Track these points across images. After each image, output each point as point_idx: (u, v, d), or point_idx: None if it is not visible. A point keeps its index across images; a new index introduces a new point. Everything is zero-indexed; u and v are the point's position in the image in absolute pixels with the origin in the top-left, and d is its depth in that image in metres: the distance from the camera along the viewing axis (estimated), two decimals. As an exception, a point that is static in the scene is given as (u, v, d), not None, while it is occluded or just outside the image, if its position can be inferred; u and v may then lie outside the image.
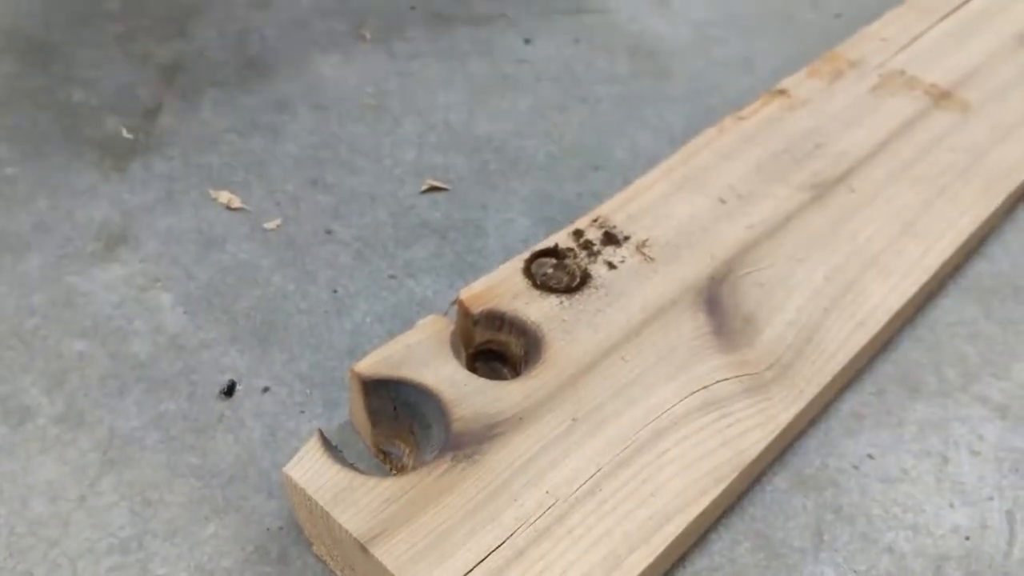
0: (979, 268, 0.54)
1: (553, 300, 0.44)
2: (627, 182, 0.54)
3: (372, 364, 0.40)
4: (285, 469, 0.36)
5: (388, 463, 0.42)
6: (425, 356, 0.41)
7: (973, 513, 0.43)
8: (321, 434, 0.38)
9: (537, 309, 0.43)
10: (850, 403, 0.47)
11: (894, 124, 0.57)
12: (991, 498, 0.44)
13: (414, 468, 0.39)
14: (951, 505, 0.43)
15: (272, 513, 0.40)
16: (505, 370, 0.44)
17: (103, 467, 0.41)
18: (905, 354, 0.49)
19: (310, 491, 0.36)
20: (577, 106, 0.60)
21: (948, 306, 0.52)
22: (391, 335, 0.47)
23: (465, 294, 0.43)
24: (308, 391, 0.44)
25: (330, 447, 0.38)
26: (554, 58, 0.63)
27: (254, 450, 0.42)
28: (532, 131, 0.58)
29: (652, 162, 0.57)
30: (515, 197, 0.51)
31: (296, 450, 0.40)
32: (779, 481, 0.43)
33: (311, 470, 0.37)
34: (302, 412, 0.43)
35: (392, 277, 0.49)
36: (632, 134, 0.59)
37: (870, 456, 0.45)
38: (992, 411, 0.47)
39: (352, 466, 0.38)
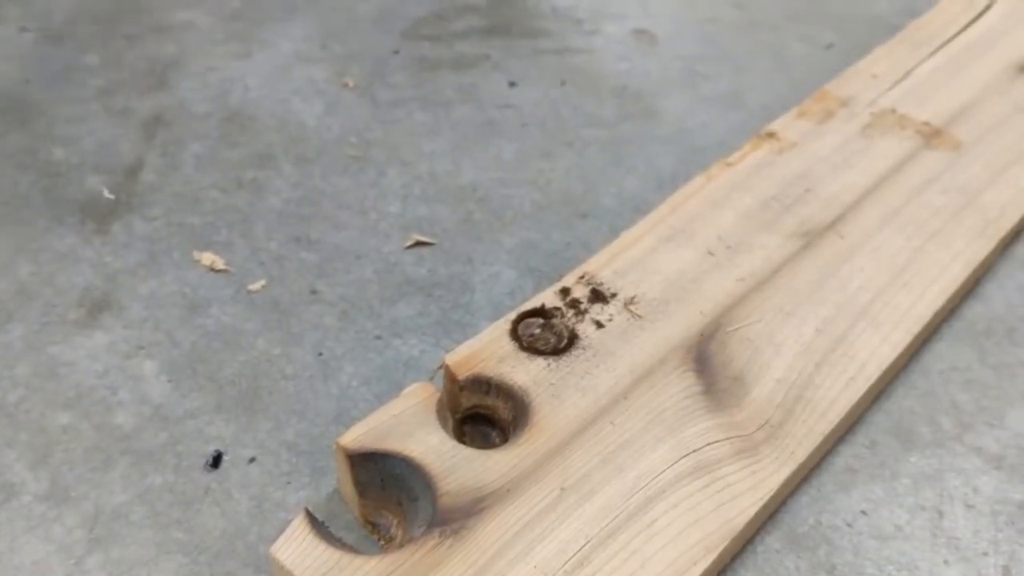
0: (973, 309, 0.55)
1: (540, 363, 0.44)
2: (614, 230, 0.55)
3: (357, 437, 0.41)
4: (271, 550, 0.37)
5: (376, 534, 0.42)
6: (411, 426, 0.41)
7: (968, 570, 0.43)
8: (308, 512, 0.38)
9: (524, 373, 0.44)
10: (843, 456, 0.47)
11: (885, 166, 0.58)
12: (986, 553, 0.44)
13: (403, 541, 0.40)
14: (946, 562, 0.44)
15: (259, 590, 0.40)
16: (494, 434, 0.45)
17: (89, 545, 0.41)
18: (898, 403, 0.50)
19: (297, 572, 0.37)
20: (563, 152, 0.61)
21: (941, 351, 0.52)
22: (378, 398, 0.47)
23: (451, 359, 0.44)
24: (294, 460, 0.45)
25: (316, 524, 0.38)
26: (540, 102, 0.64)
27: (241, 523, 0.42)
28: (517, 179, 0.58)
29: (639, 208, 0.58)
30: (501, 249, 0.52)
31: (284, 522, 0.40)
32: (771, 540, 0.44)
33: (297, 550, 0.37)
34: (288, 483, 0.44)
35: (378, 338, 0.50)
36: (619, 179, 0.60)
37: (863, 512, 0.45)
38: (987, 462, 0.47)
39: (340, 542, 0.38)
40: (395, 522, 0.42)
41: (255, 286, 0.51)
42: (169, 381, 0.47)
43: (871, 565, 0.43)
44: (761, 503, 0.41)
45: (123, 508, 0.42)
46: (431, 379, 0.46)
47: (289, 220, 0.54)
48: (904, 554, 0.44)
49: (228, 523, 0.42)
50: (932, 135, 0.59)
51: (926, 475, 0.47)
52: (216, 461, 0.44)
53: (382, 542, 0.42)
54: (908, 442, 0.48)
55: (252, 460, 0.45)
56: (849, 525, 0.45)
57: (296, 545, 0.38)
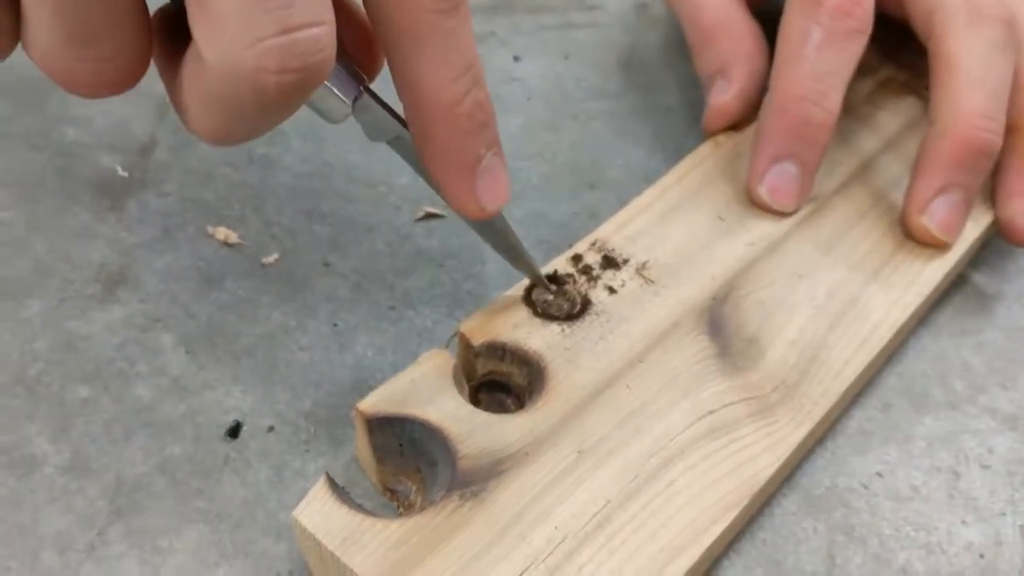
0: (983, 273, 0.54)
1: (555, 328, 0.44)
2: (622, 200, 0.54)
3: (376, 402, 0.40)
4: (294, 514, 0.37)
5: (395, 501, 0.42)
6: (428, 392, 0.41)
7: (987, 530, 0.43)
8: (328, 476, 0.38)
9: (539, 338, 0.43)
10: (856, 419, 0.47)
11: (898, 124, 0.57)
12: (1004, 513, 0.44)
13: (422, 506, 0.40)
14: (964, 522, 0.43)
15: (281, 556, 0.40)
16: (509, 401, 0.44)
17: (111, 516, 0.41)
18: (910, 366, 0.50)
19: (319, 536, 0.36)
20: (569, 124, 0.60)
21: (951, 315, 0.52)
22: (393, 368, 0.47)
23: (465, 326, 0.43)
24: (312, 429, 0.44)
25: (338, 489, 0.38)
26: (544, 75, 0.63)
27: (261, 491, 0.42)
28: (525, 152, 0.58)
29: (647, 178, 0.57)
30: (511, 220, 0.51)
31: (303, 490, 0.40)
32: (788, 504, 0.44)
33: (319, 514, 0.37)
34: (307, 451, 0.44)
35: (392, 308, 0.49)
36: (626, 150, 0.59)
37: (879, 474, 0.45)
38: (1001, 423, 0.47)
39: (361, 507, 0.38)
40: (414, 488, 0.42)
41: (269, 259, 0.50)
42: (187, 353, 0.47)
43: (888, 526, 0.43)
44: (779, 462, 0.41)
45: (144, 479, 0.42)
46: (446, 346, 0.45)
47: (300, 195, 0.53)
48: (921, 515, 0.43)
49: (248, 491, 0.42)
50: None
51: (940, 437, 0.46)
52: (235, 431, 0.44)
53: (401, 509, 0.42)
54: (921, 404, 0.48)
55: (271, 429, 0.44)
56: (865, 487, 0.44)
57: (318, 509, 0.37)
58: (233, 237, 0.51)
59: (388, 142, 0.39)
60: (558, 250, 0.51)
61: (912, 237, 0.50)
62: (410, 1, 0.33)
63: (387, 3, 0.34)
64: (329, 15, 0.30)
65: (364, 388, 0.46)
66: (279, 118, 0.32)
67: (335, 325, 0.48)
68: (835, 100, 0.50)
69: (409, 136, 0.38)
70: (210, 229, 0.52)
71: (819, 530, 0.42)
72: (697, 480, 0.40)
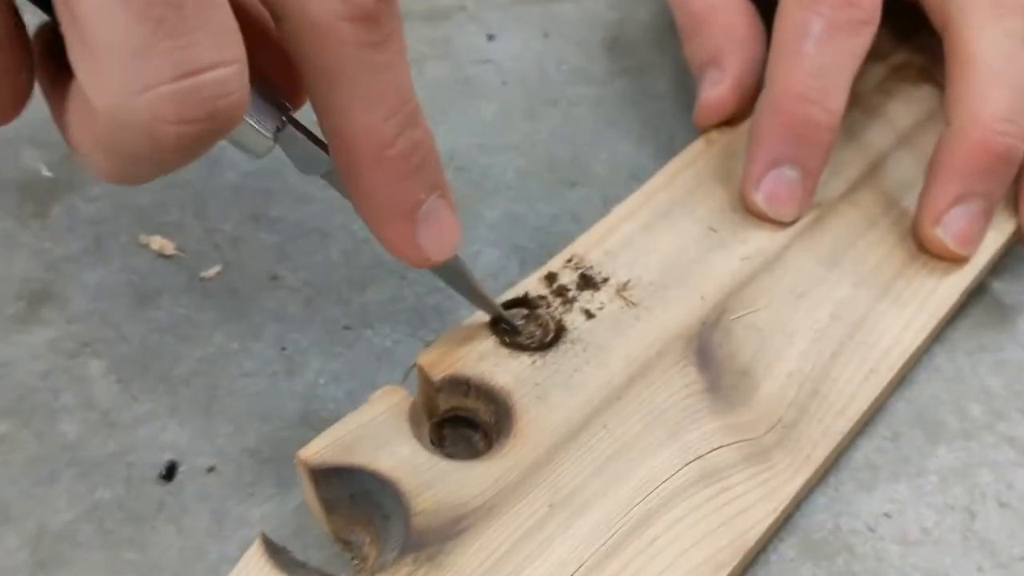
0: (1003, 282, 0.51)
1: (524, 360, 0.41)
2: (606, 200, 0.51)
3: (319, 450, 0.37)
4: (224, 585, 0.34)
5: (349, 552, 0.39)
6: (381, 436, 0.38)
7: (1004, 577, 0.40)
8: (264, 538, 0.35)
9: (507, 372, 0.41)
10: (863, 451, 0.44)
11: (907, 124, 0.54)
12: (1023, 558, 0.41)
13: (375, 563, 0.37)
14: (980, 568, 0.41)
15: (219, 618, 0.37)
16: (477, 437, 0.42)
17: (33, 569, 0.38)
18: (922, 389, 0.47)
19: (253, 610, 0.34)
20: (548, 112, 0.57)
21: (968, 330, 0.49)
22: (348, 396, 0.44)
23: (424, 358, 0.40)
24: (257, 468, 0.42)
25: (276, 552, 0.35)
26: (521, 56, 0.60)
27: (199, 542, 0.39)
28: (499, 144, 0.55)
29: (634, 174, 0.54)
30: (482, 223, 0.48)
31: (246, 540, 0.38)
32: (785, 548, 0.41)
33: (254, 584, 0.34)
34: (251, 494, 0.41)
35: (347, 328, 0.46)
36: (611, 142, 0.56)
37: (887, 515, 0.42)
38: (1022, 454, 0.45)
39: (304, 567, 0.35)
40: (368, 540, 0.39)
41: (209, 272, 0.47)
42: (118, 382, 0.44)
43: (895, 573, 0.40)
44: (775, 515, 0.39)
45: (69, 527, 0.40)
46: (404, 380, 0.43)
47: (247, 196, 0.50)
48: (932, 560, 0.41)
49: (185, 541, 0.40)
50: None
51: (955, 470, 0.44)
52: (170, 472, 0.42)
53: (355, 560, 0.39)
54: (934, 433, 0.45)
55: (210, 470, 0.42)
56: (871, 529, 0.42)
57: (253, 577, 0.34)
58: (170, 247, 0.48)
59: (322, 176, 0.36)
60: (535, 258, 0.49)
61: (926, 250, 0.47)
62: (329, 35, 0.30)
63: (303, 36, 0.30)
64: (238, 50, 0.27)
65: (315, 420, 0.43)
66: (185, 163, 0.28)
67: (283, 348, 0.45)
68: (838, 99, 0.46)
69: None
70: (144, 238, 0.49)
71: (819, 580, 0.40)
72: (683, 536, 0.37)
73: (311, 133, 0.35)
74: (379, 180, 0.33)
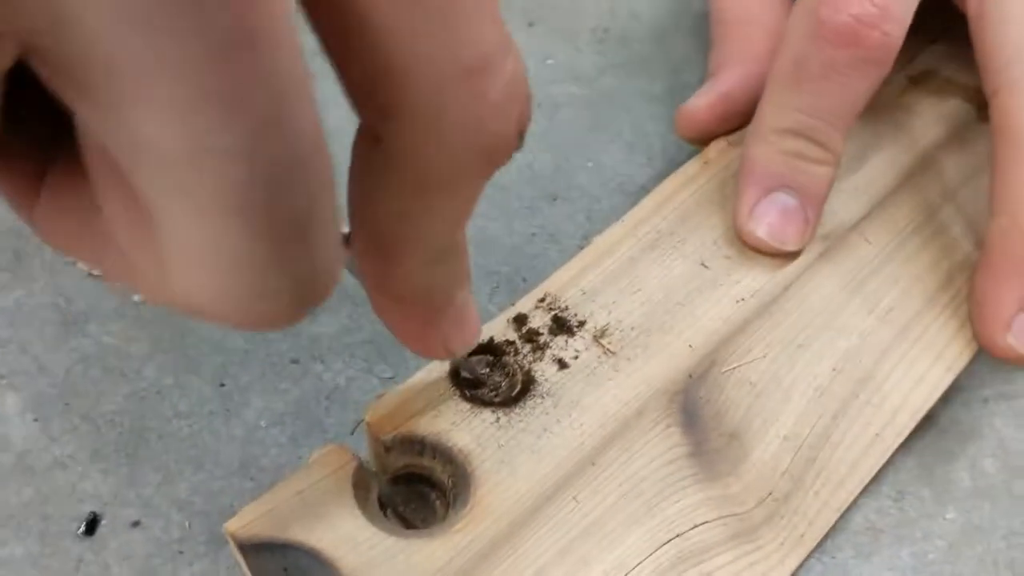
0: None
1: (487, 417, 0.38)
2: (590, 217, 0.48)
3: (251, 521, 0.35)
4: None
5: (283, 628, 0.36)
6: (320, 507, 0.35)
7: (1014, 664, 0.38)
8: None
9: (467, 431, 0.38)
10: (864, 511, 0.42)
11: (937, 134, 0.50)
12: (1034, 644, 0.39)
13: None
14: (986, 656, 0.38)
15: None
16: (433, 495, 0.39)
17: (-76, 646, 0.35)
18: (933, 442, 0.44)
19: None
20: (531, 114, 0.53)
21: (984, 375, 0.46)
22: (292, 441, 0.41)
23: (372, 415, 0.38)
24: (188, 523, 0.39)
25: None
26: (506, 48, 0.56)
27: (117, 611, 0.36)
28: (477, 149, 0.51)
29: (622, 187, 0.51)
30: (452, 242, 0.44)
31: None
32: (771, 629, 0.38)
33: None
34: (180, 552, 0.38)
35: (294, 362, 0.43)
36: (598, 150, 0.53)
37: (886, 587, 0.39)
38: (1039, 519, 0.42)
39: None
40: (303, 621, 0.36)
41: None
42: (36, 420, 0.41)
43: (892, 662, 0.38)
44: (760, 606, 0.36)
45: (-29, 591, 0.37)
46: (352, 433, 0.40)
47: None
48: (933, 647, 0.38)
49: (102, 610, 0.37)
50: (983, 104, 0.51)
51: (965, 535, 0.41)
52: (92, 526, 0.39)
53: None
54: (944, 492, 0.43)
55: (135, 524, 0.39)
56: (867, 606, 0.39)
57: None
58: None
59: None
60: (508, 284, 0.46)
61: (994, 356, 0.43)
62: (454, 163, 0.24)
63: (412, 147, 0.24)
64: (340, 248, 0.23)
65: (254, 469, 0.40)
66: None
67: (222, 384, 0.43)
68: (834, 140, 0.43)
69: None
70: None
71: (807, 669, 0.37)
72: (655, 635, 0.34)
73: None
74: (417, 286, 0.30)
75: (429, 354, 0.34)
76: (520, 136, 0.25)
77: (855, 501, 0.41)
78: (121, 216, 0.22)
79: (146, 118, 0.17)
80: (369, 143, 0.24)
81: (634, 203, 0.45)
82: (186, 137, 0.17)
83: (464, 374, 0.39)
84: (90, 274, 0.45)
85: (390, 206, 0.26)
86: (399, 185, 0.25)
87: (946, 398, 0.44)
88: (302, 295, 0.22)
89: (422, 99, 0.22)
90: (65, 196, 0.23)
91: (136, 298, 0.45)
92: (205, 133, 0.17)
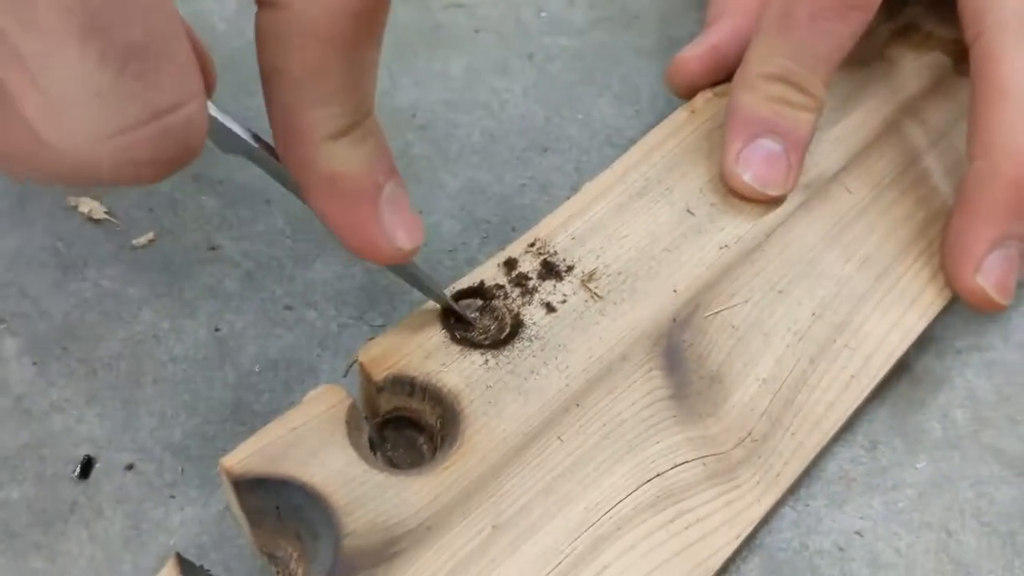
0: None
1: (476, 358, 0.38)
2: (579, 168, 0.48)
3: (244, 459, 0.34)
4: (132, 612, 0.31)
5: (274, 566, 0.36)
6: (313, 444, 0.35)
7: (978, 608, 0.38)
8: (179, 558, 0.32)
9: (456, 372, 0.37)
10: (838, 460, 0.42)
11: (919, 85, 0.49)
12: (999, 585, 0.39)
13: (303, 580, 0.34)
14: (951, 597, 0.38)
15: (130, 637, 0.35)
16: (421, 440, 0.38)
17: (-75, 580, 0.35)
18: (906, 392, 0.44)
19: (161, 641, 0.31)
20: (522, 66, 0.53)
21: (959, 327, 0.46)
22: (285, 387, 0.41)
23: (366, 355, 0.37)
24: (180, 468, 0.39)
25: (191, 572, 0.32)
26: (496, 2, 0.55)
27: (112, 550, 0.37)
28: (467, 101, 0.51)
29: (611, 140, 0.51)
30: (442, 192, 0.45)
31: (164, 549, 0.36)
32: (747, 569, 0.39)
33: (165, 612, 0.32)
34: (172, 496, 0.38)
35: (288, 308, 0.43)
36: (588, 102, 0.52)
37: (858, 533, 0.40)
38: (1006, 467, 0.42)
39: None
40: (295, 555, 0.36)
41: (141, 240, 0.44)
42: (34, 364, 0.41)
43: (864, 601, 0.38)
44: (738, 542, 0.36)
45: (-30, 530, 0.36)
46: (345, 375, 0.39)
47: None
48: (904, 587, 0.38)
49: (97, 549, 0.37)
50: (962, 57, 0.51)
51: (934, 483, 0.41)
52: (86, 469, 0.39)
53: (279, 575, 0.36)
54: (915, 442, 0.43)
55: (129, 467, 0.39)
56: (841, 549, 0.39)
57: (164, 605, 0.32)
58: (100, 211, 0.45)
59: (247, 155, 0.32)
60: (497, 232, 0.45)
61: (963, 299, 0.43)
62: (328, 31, 0.28)
63: (293, 27, 0.28)
64: (199, 82, 0.25)
65: (246, 414, 0.40)
66: None
67: (217, 329, 0.42)
68: (817, 87, 0.43)
69: (273, 159, 0.31)
70: (72, 199, 0.45)
71: (782, 607, 0.37)
72: (635, 567, 0.35)
73: (223, 119, 0.31)
74: (337, 166, 0.31)
75: (373, 251, 0.34)
76: None
77: (830, 450, 0.41)
78: (16, 86, 0.23)
79: None
80: (264, 10, 0.28)
81: (622, 155, 0.45)
82: None
83: (455, 317, 0.39)
84: (89, 219, 0.44)
85: (292, 75, 0.29)
86: (296, 45, 0.28)
87: (920, 348, 0.44)
88: (163, 136, 0.24)
89: None
90: None
91: (134, 243, 0.44)
92: None
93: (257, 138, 0.32)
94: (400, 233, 0.33)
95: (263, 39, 0.28)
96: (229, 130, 0.32)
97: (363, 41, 0.28)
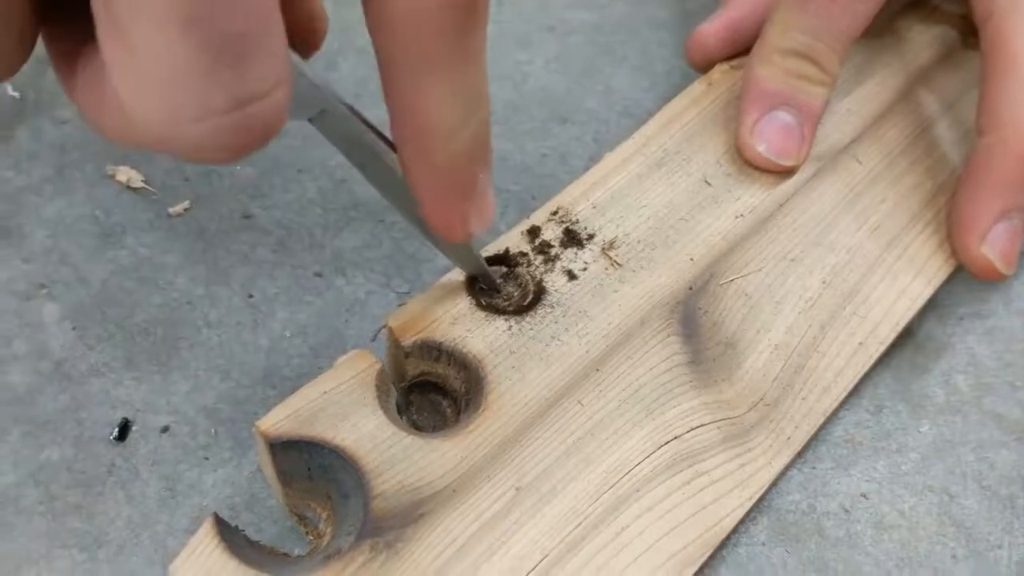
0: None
1: (500, 325, 0.37)
2: (598, 139, 0.47)
3: (279, 421, 0.34)
4: (171, 569, 0.31)
5: (304, 527, 0.36)
6: (344, 407, 0.35)
7: (979, 567, 0.38)
8: (216, 518, 0.32)
9: (481, 338, 0.37)
10: (844, 425, 0.41)
11: (922, 63, 0.48)
12: (1000, 546, 0.39)
13: (331, 543, 0.34)
14: (954, 557, 0.38)
15: (168, 592, 0.34)
16: (445, 404, 0.38)
17: (-29, 537, 0.35)
18: (910, 358, 0.43)
19: (200, 597, 0.31)
20: (543, 38, 0.52)
21: (961, 293, 0.45)
22: (314, 352, 0.41)
23: (395, 320, 0.37)
24: (214, 430, 0.39)
25: (228, 533, 0.32)
26: (519, -27, 0.54)
27: (148, 510, 0.37)
28: (490, 73, 0.49)
29: (628, 111, 0.50)
30: (467, 162, 0.43)
31: (198, 509, 0.36)
32: (757, 530, 0.38)
33: (202, 569, 0.32)
34: (206, 458, 0.38)
35: (318, 275, 0.42)
36: (607, 75, 0.51)
37: (864, 496, 0.39)
38: (1007, 432, 0.41)
39: (258, 547, 0.33)
40: (324, 516, 0.36)
41: (177, 208, 0.43)
42: (73, 329, 0.40)
43: (869, 561, 0.38)
44: (750, 503, 0.36)
45: (13, 490, 0.37)
46: (373, 340, 0.39)
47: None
48: (906, 547, 0.38)
49: (134, 510, 0.37)
50: (969, 31, 0.50)
51: (937, 448, 0.41)
52: (123, 432, 0.38)
53: (310, 536, 0.36)
54: (919, 407, 0.42)
55: (165, 430, 0.38)
56: (846, 511, 0.39)
57: (202, 563, 0.32)
58: (137, 179, 0.44)
59: (311, 121, 0.31)
60: (518, 201, 0.45)
61: (968, 268, 0.43)
62: (425, 23, 0.26)
63: (395, 21, 0.26)
64: (286, 70, 0.24)
65: (277, 378, 0.40)
66: None
67: (250, 296, 0.42)
68: (833, 62, 0.43)
69: (341, 111, 0.31)
70: (111, 168, 0.44)
71: (789, 565, 0.37)
72: (653, 527, 0.34)
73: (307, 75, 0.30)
74: (446, 162, 0.30)
75: (450, 231, 0.33)
76: None
77: (836, 414, 0.40)
78: (114, 61, 0.23)
79: None
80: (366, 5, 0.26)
81: (640, 127, 0.44)
82: None
83: (481, 284, 0.38)
84: (127, 187, 0.44)
85: (393, 83, 0.28)
86: (394, 60, 0.27)
87: (924, 315, 0.44)
88: (245, 124, 0.24)
89: None
90: (91, 70, 0.25)
91: (170, 211, 0.44)
92: None
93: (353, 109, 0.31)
94: (476, 219, 0.33)
95: (372, 28, 0.27)
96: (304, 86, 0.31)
97: (465, 30, 0.27)
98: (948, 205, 0.44)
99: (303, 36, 0.32)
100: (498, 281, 0.39)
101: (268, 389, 0.39)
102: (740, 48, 0.47)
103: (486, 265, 0.38)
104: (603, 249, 0.40)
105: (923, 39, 0.50)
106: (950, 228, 0.43)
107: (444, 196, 0.32)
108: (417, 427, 0.38)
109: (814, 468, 0.40)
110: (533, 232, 0.40)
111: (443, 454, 0.35)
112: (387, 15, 0.26)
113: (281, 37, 0.24)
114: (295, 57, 0.29)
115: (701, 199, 0.42)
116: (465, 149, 0.30)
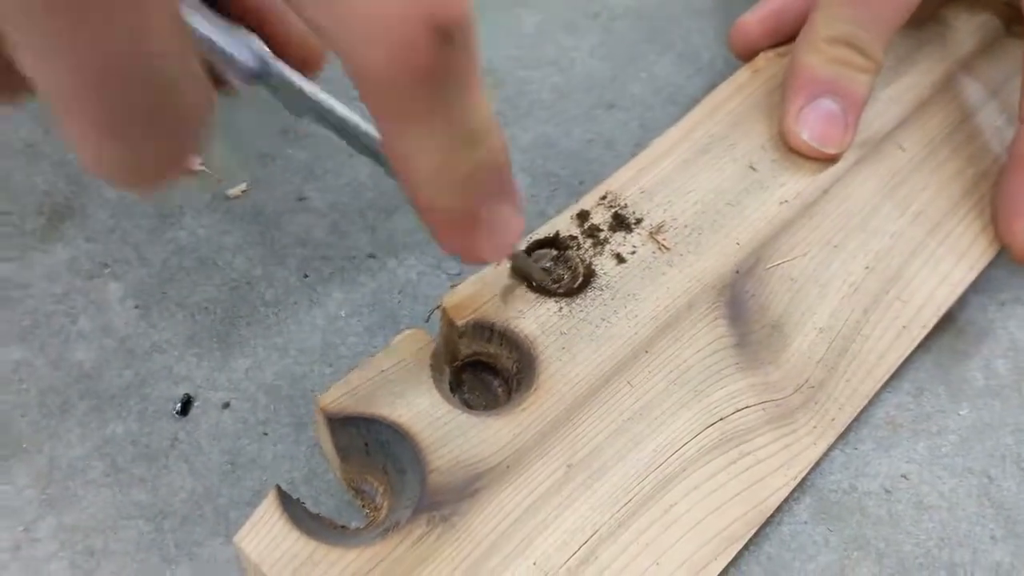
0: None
1: (551, 306, 0.38)
2: (643, 124, 0.47)
3: (339, 398, 0.35)
4: (236, 539, 0.32)
5: (361, 501, 0.37)
6: (400, 385, 0.35)
7: (1018, 548, 0.38)
8: (279, 491, 0.33)
9: (532, 319, 0.37)
10: (885, 406, 0.42)
11: (963, 52, 0.48)
12: (1038, 528, 0.39)
13: (389, 515, 0.35)
14: (992, 538, 0.39)
15: (230, 561, 0.36)
16: (497, 383, 0.39)
17: (42, 508, 0.36)
18: (951, 342, 0.44)
19: (265, 567, 0.32)
20: (589, 25, 0.53)
21: (1002, 279, 0.46)
22: (368, 331, 0.41)
23: (449, 301, 0.37)
24: (273, 406, 0.39)
25: (290, 506, 0.33)
26: (565, -39, 0.54)
27: (211, 483, 0.37)
28: (537, 58, 0.50)
29: (672, 98, 0.50)
30: (515, 146, 0.44)
31: (259, 484, 0.36)
32: (799, 510, 0.39)
33: (266, 539, 0.32)
34: (265, 433, 0.38)
35: (372, 256, 0.43)
36: (651, 61, 0.52)
37: (904, 476, 0.40)
38: (1047, 416, 0.41)
39: (318, 520, 0.33)
40: (381, 490, 0.37)
41: (235, 191, 0.44)
42: (136, 307, 0.41)
43: (909, 540, 0.38)
44: (794, 483, 0.36)
45: (80, 463, 0.37)
46: (427, 320, 0.39)
47: (277, 109, 0.46)
48: (946, 527, 0.39)
49: (196, 482, 0.37)
50: (1014, 19, 0.50)
51: (977, 430, 0.41)
52: (186, 407, 0.39)
53: (367, 510, 0.37)
54: (959, 390, 0.42)
55: (226, 406, 0.39)
56: (887, 491, 0.39)
57: (265, 533, 0.33)
58: (195, 162, 0.44)
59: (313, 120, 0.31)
60: (566, 186, 0.45)
61: (1012, 253, 0.43)
62: (381, 87, 0.25)
63: (355, 76, 0.25)
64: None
65: (333, 356, 0.40)
66: None
67: (306, 276, 0.42)
68: (877, 50, 0.43)
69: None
70: (169, 152, 0.45)
71: (832, 543, 0.38)
72: (699, 505, 0.35)
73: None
74: (434, 203, 0.29)
75: (464, 258, 0.32)
76: (439, 33, 0.24)
77: (878, 396, 0.41)
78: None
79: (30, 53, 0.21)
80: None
81: (684, 112, 0.45)
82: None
83: (522, 272, 0.39)
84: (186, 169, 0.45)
85: (378, 122, 0.27)
86: (371, 111, 0.26)
87: (965, 301, 0.44)
88: (167, 154, 0.26)
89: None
90: None
91: (228, 193, 0.45)
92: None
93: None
94: (490, 252, 0.32)
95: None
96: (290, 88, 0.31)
97: (439, 85, 0.25)
98: (991, 191, 0.44)
99: (302, 57, 0.32)
100: (548, 264, 0.39)
101: (325, 367, 0.40)
102: (782, 37, 0.47)
103: (532, 265, 0.38)
104: (651, 233, 0.41)
105: (966, 27, 0.50)
106: (994, 213, 0.43)
107: (443, 231, 0.31)
108: (468, 405, 0.38)
109: (856, 449, 0.40)
110: (583, 216, 0.41)
111: (496, 431, 0.35)
112: (352, 73, 0.25)
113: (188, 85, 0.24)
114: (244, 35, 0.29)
115: (747, 184, 0.43)
116: (458, 188, 0.29)
